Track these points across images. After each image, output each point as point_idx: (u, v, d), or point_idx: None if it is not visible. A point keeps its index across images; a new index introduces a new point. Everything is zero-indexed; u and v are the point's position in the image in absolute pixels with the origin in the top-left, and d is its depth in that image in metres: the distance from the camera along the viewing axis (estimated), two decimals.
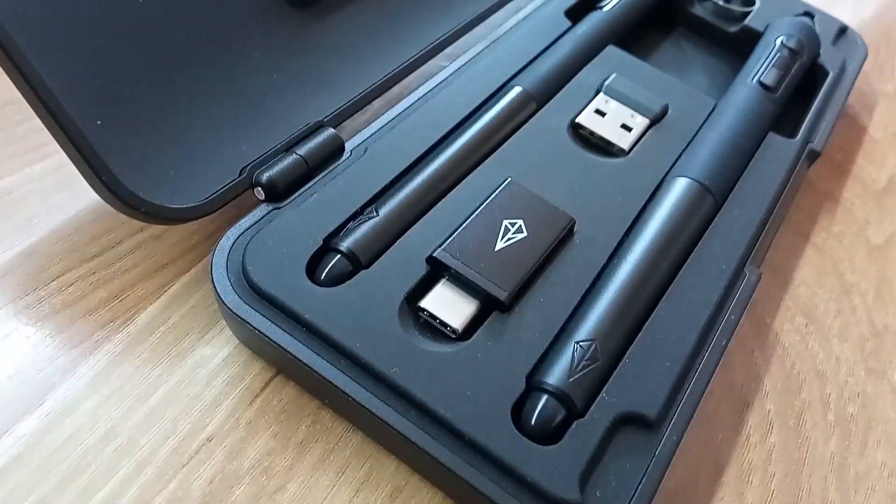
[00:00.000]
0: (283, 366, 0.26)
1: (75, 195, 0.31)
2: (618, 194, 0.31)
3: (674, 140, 0.34)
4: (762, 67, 0.38)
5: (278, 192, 0.28)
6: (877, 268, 0.37)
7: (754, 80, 0.38)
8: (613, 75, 0.36)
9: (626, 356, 0.26)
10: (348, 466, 0.25)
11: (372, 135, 0.31)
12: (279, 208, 0.28)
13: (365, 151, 0.30)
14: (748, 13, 0.44)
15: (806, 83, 0.41)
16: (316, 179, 0.29)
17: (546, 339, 0.26)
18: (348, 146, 0.30)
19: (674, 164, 0.33)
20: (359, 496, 0.25)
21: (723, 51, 0.44)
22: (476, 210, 0.29)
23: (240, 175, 0.28)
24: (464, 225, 0.28)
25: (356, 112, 0.32)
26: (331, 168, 0.29)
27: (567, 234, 0.29)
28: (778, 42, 0.40)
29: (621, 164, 0.33)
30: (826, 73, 0.41)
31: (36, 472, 0.23)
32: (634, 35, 0.43)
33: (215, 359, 0.27)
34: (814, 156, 0.37)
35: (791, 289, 0.35)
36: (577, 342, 0.26)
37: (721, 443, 0.29)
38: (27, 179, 0.31)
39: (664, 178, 0.33)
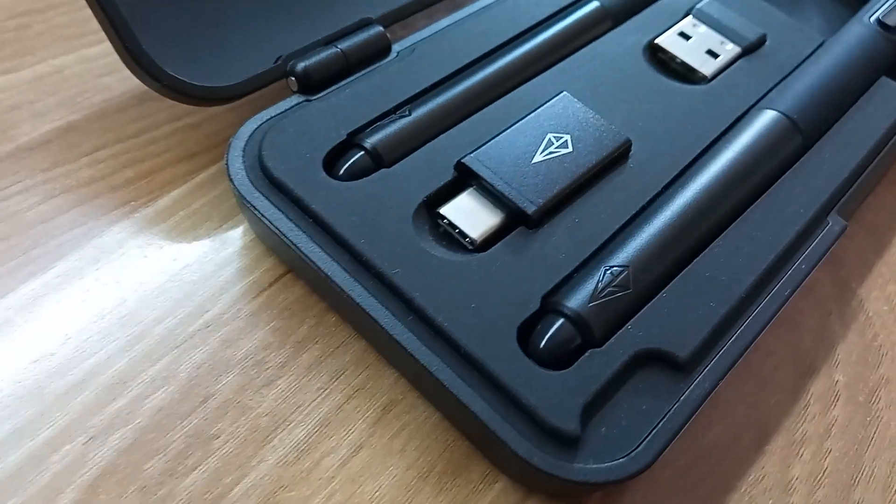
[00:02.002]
0: (289, 260, 0.25)
1: (123, 79, 0.30)
2: (689, 122, 0.28)
3: (767, 72, 0.30)
4: (885, 4, 0.33)
5: (312, 84, 0.27)
6: None
7: (873, 17, 0.33)
8: None
9: (664, 290, 0.23)
10: (344, 372, 0.24)
11: (424, 38, 0.29)
12: (310, 100, 0.26)
13: (412, 53, 0.28)
14: None
15: None
16: (355, 76, 0.27)
17: (574, 261, 0.23)
18: (395, 48, 0.29)
19: (762, 98, 0.29)
20: (349, 403, 0.23)
21: None
22: (519, 120, 0.26)
23: (276, 63, 0.27)
24: (502, 133, 0.25)
25: (411, 14, 0.30)
26: (374, 67, 0.28)
27: (620, 156, 0.26)
28: None
29: (700, 92, 0.29)
30: None
31: (38, 329, 0.23)
32: None
33: (228, 249, 0.26)
34: None
35: (888, 254, 0.30)
36: (608, 267, 0.23)
37: (774, 406, 0.25)
38: (81, 60, 0.31)
39: (748, 110, 0.29)
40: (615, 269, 0.23)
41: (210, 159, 0.28)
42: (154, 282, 0.25)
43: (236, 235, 0.26)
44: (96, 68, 0.31)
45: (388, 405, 0.23)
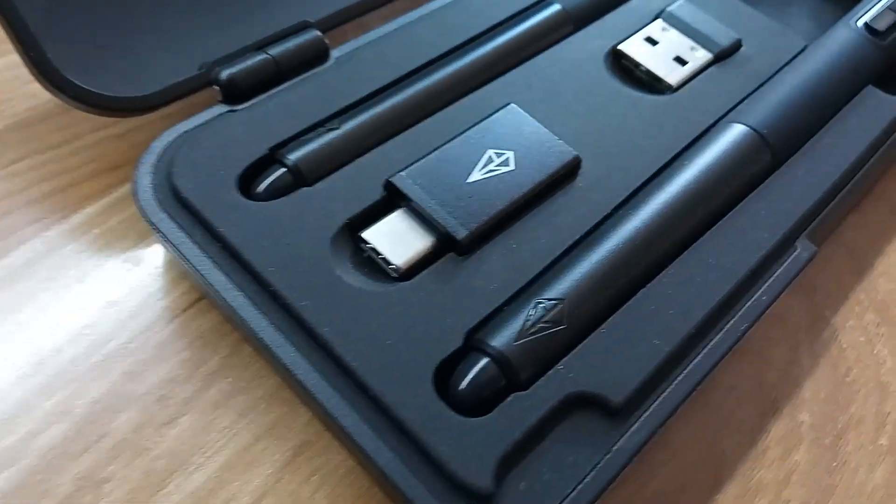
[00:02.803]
0: (199, 286, 0.23)
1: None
2: (649, 136, 0.26)
3: (740, 81, 0.28)
4: (873, 7, 0.31)
5: (238, 93, 0.25)
6: None
7: (860, 21, 0.30)
8: (680, 1, 0.30)
9: (603, 326, 0.21)
10: (255, 410, 0.22)
11: (366, 44, 0.27)
12: (234, 111, 0.24)
13: (351, 59, 0.26)
14: None
15: None
16: (287, 84, 0.25)
17: (505, 292, 0.21)
18: (335, 54, 0.26)
19: (731, 109, 0.27)
20: (258, 445, 0.21)
21: None
22: (459, 134, 0.24)
23: (199, 70, 0.25)
24: (438, 149, 0.23)
25: (354, 17, 0.28)
26: (308, 75, 0.26)
27: (567, 174, 0.24)
28: None
29: (663, 103, 0.27)
30: None
31: None
32: None
33: (142, 271, 0.24)
34: None
35: (868, 278, 0.28)
36: (541, 300, 0.21)
37: (729, 450, 0.23)
38: (9, 66, 0.29)
39: (715, 123, 0.26)
40: (549, 302, 0.21)
41: (131, 172, 0.26)
42: (58, 306, 0.23)
43: (152, 256, 0.24)
44: (24, 74, 0.29)
45: (300, 447, 0.21)
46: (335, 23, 0.27)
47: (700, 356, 0.21)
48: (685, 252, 0.23)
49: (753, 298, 0.22)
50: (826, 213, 0.25)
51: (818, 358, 0.26)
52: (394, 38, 0.27)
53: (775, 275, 0.23)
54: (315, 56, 0.26)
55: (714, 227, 0.24)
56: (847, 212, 0.28)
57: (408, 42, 0.27)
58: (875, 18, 0.31)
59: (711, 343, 0.21)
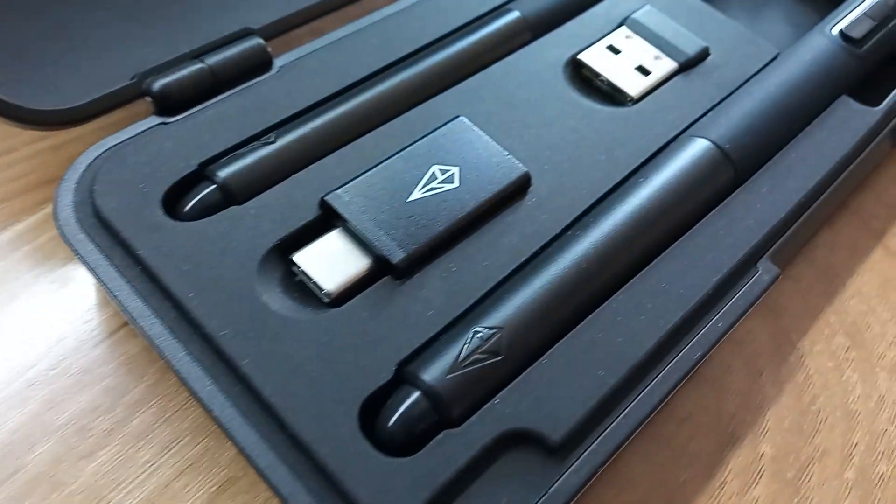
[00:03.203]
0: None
1: None
2: (605, 151, 0.24)
3: (706, 91, 0.27)
4: (848, 13, 0.30)
5: (172, 105, 0.23)
6: None
7: (835, 28, 0.29)
8: (646, 7, 0.29)
9: (544, 356, 0.20)
10: (179, 442, 0.20)
11: (311, 52, 0.26)
12: (167, 123, 0.23)
13: (294, 69, 0.25)
14: None
15: None
16: (224, 95, 0.24)
17: (442, 319, 0.20)
18: (278, 63, 0.25)
19: (694, 122, 0.26)
20: (180, 480, 0.20)
21: None
22: (403, 149, 0.23)
23: (132, 80, 0.23)
24: (379, 165, 0.22)
25: (301, 24, 0.26)
26: (248, 85, 0.24)
27: (515, 192, 0.23)
28: None
29: (622, 115, 0.26)
30: None
31: None
32: None
33: (69, 292, 0.23)
34: None
35: (839, 299, 0.27)
36: (478, 329, 0.19)
37: (682, 486, 0.22)
38: None
39: (676, 137, 0.25)
40: (486, 331, 0.19)
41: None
42: None
43: (82, 276, 0.23)
44: None
45: (224, 483, 0.20)
46: (280, 30, 0.26)
47: (648, 389, 0.20)
48: (637, 276, 0.22)
49: (709, 325, 0.21)
50: (791, 233, 0.24)
51: (782, 385, 0.24)
52: (341, 46, 0.26)
53: (733, 299, 0.22)
54: (257, 65, 0.25)
55: (669, 249, 0.22)
56: (817, 229, 0.27)
57: (356, 50, 0.26)
58: (851, 25, 0.29)
59: (661, 374, 0.20)
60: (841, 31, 0.29)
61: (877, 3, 0.30)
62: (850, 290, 0.27)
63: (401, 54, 0.26)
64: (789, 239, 0.24)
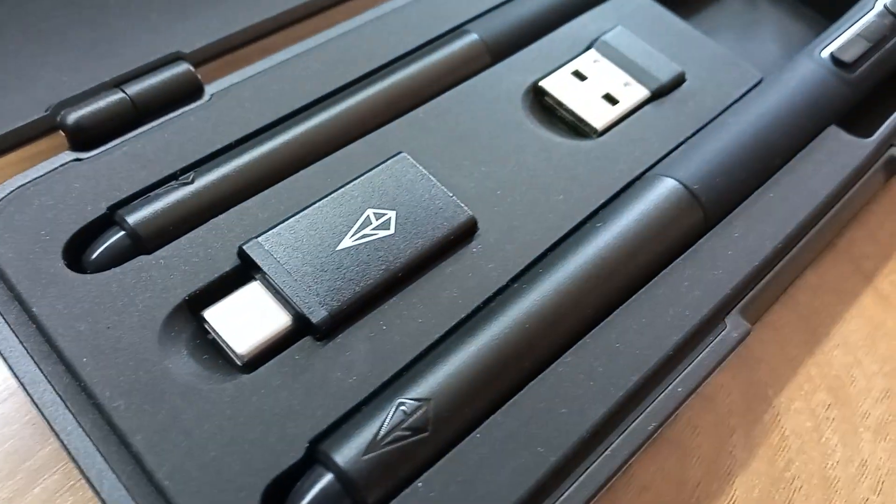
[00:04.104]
0: None
1: None
2: (563, 191, 0.22)
3: (679, 122, 0.25)
4: (839, 35, 0.27)
5: (88, 139, 0.22)
6: None
7: (825, 51, 0.27)
8: (618, 28, 0.27)
9: (477, 431, 0.18)
10: None
11: (249, 77, 0.24)
12: (80, 160, 0.21)
13: (225, 97, 0.23)
14: None
15: None
16: (145, 128, 0.22)
17: (365, 388, 0.18)
18: (210, 90, 0.23)
19: (664, 157, 0.24)
20: None
21: (812, 12, 0.33)
22: (335, 191, 0.21)
23: (46, 112, 0.22)
24: (307, 209, 0.20)
25: (238, 48, 0.24)
26: (173, 116, 0.22)
27: (458, 238, 0.21)
28: (878, 3, 0.29)
29: (584, 150, 0.24)
30: None
31: None
32: None
33: None
34: None
35: (822, 350, 0.25)
36: (403, 400, 0.17)
37: None
38: None
39: (641, 175, 0.23)
40: (411, 402, 0.17)
41: None
42: None
43: None
44: None
45: None
46: (215, 54, 0.24)
47: (593, 466, 0.18)
48: (588, 335, 0.20)
49: (666, 391, 0.19)
50: (766, 283, 0.22)
51: (754, 448, 0.22)
52: (281, 71, 0.24)
53: (696, 361, 0.20)
54: (185, 93, 0.23)
55: (627, 304, 0.20)
56: (798, 274, 0.25)
57: (297, 76, 0.24)
58: (842, 48, 0.27)
59: (610, 448, 0.18)
60: (831, 55, 0.27)
61: (872, 21, 0.28)
62: (835, 339, 0.25)
63: (345, 81, 0.24)
64: (763, 290, 0.22)
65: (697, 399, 0.23)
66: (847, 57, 0.27)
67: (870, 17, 0.28)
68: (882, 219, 0.28)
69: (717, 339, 0.20)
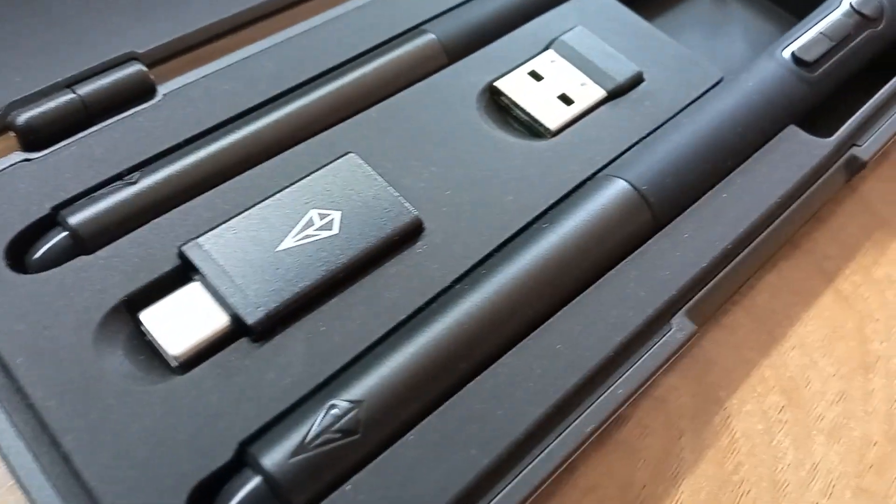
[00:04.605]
0: None
1: None
2: (513, 191, 0.22)
3: (634, 123, 0.25)
4: (803, 33, 0.27)
5: (39, 139, 0.22)
6: None
7: (786, 51, 0.27)
8: (577, 27, 0.27)
9: (410, 433, 0.18)
10: None
11: (203, 77, 0.24)
12: (30, 160, 0.21)
13: (176, 97, 0.23)
14: None
15: (884, 63, 0.29)
16: (96, 128, 0.22)
17: (299, 390, 0.18)
18: (163, 90, 0.23)
19: (617, 158, 0.24)
20: None
21: (781, 11, 0.33)
22: (279, 191, 0.21)
23: None
24: (249, 210, 0.20)
25: (195, 48, 0.24)
26: (124, 116, 0.22)
27: (403, 239, 0.21)
28: (844, 2, 0.28)
29: (537, 150, 0.24)
30: None
31: None
32: None
33: None
34: (857, 166, 0.26)
35: (778, 351, 0.24)
36: (335, 403, 0.17)
37: None
38: None
39: (592, 176, 0.23)
40: (343, 404, 0.17)
41: None
42: None
43: None
44: None
45: None
46: (170, 54, 0.24)
47: (529, 468, 0.18)
48: (529, 336, 0.19)
49: (606, 393, 0.19)
50: (715, 284, 0.22)
51: (703, 451, 0.22)
52: (235, 71, 0.24)
53: (639, 362, 0.20)
54: (137, 93, 0.23)
55: (569, 305, 0.20)
56: (752, 275, 0.24)
57: (250, 75, 0.24)
58: (804, 47, 0.27)
59: (546, 450, 0.18)
60: (792, 54, 0.27)
61: (837, 20, 0.28)
62: (792, 340, 0.25)
63: (298, 81, 0.24)
64: (712, 291, 0.22)
65: (648, 400, 0.23)
66: (808, 56, 0.26)
67: (834, 15, 0.28)
68: (845, 220, 0.28)
69: (661, 341, 0.20)
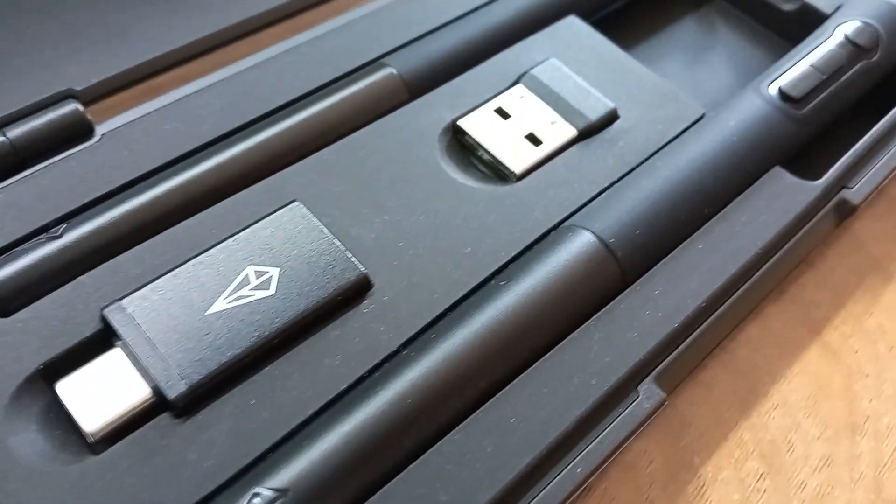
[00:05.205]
0: None
1: None
2: (472, 242, 0.21)
3: (607, 164, 0.23)
4: (791, 66, 0.25)
5: None
6: None
7: (772, 85, 0.25)
8: (550, 60, 0.25)
9: None
10: None
11: (146, 115, 0.22)
12: None
13: (113, 139, 0.21)
14: None
15: (878, 97, 0.27)
16: (26, 173, 0.21)
17: (222, 474, 0.16)
18: (101, 130, 0.22)
19: (586, 205, 0.22)
20: None
21: (773, 37, 0.31)
22: (214, 245, 0.19)
23: None
24: (181, 266, 0.19)
25: (138, 82, 0.23)
26: (60, 158, 0.21)
27: (348, 299, 0.19)
28: (837, 32, 0.27)
29: (500, 196, 0.22)
30: None
31: None
32: (649, 3, 0.31)
33: None
34: (847, 210, 0.24)
35: (758, 412, 0.23)
36: (258, 491, 0.16)
37: None
38: None
39: (557, 226, 0.21)
40: (267, 493, 0.16)
41: None
42: None
43: None
44: None
45: None
46: (110, 90, 0.22)
47: None
48: (481, 409, 0.18)
49: (563, 472, 0.17)
50: (689, 345, 0.20)
51: None
52: (181, 109, 0.22)
53: (601, 436, 0.18)
54: (74, 134, 0.21)
55: (526, 372, 0.19)
56: (730, 332, 0.23)
57: (196, 113, 0.22)
58: (792, 82, 0.25)
59: None
60: (779, 89, 0.25)
61: (830, 51, 0.26)
62: (774, 398, 0.23)
63: (246, 119, 0.22)
64: (685, 353, 0.20)
65: (616, 467, 0.21)
66: (796, 92, 0.25)
67: (826, 46, 0.26)
68: (835, 262, 0.26)
69: (626, 411, 0.19)
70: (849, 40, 0.26)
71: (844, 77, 0.26)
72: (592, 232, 0.20)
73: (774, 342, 0.24)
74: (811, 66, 0.26)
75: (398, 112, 0.23)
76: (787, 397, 0.23)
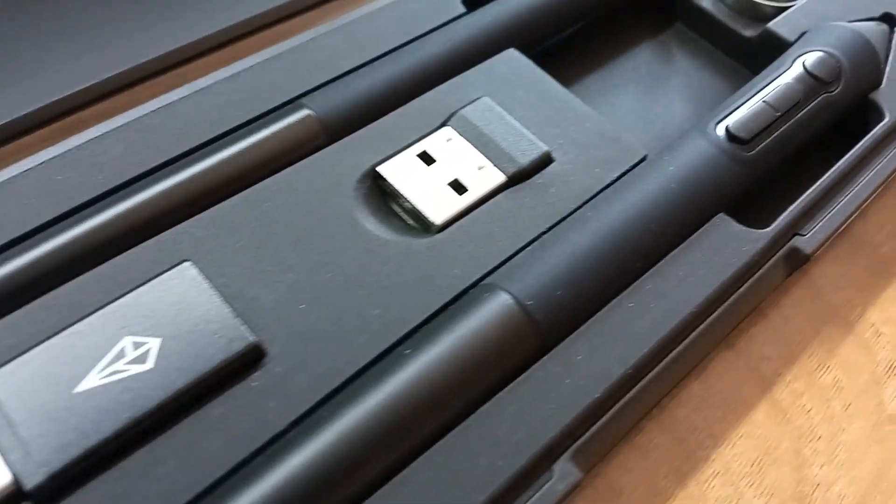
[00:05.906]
0: None
1: None
2: (381, 303, 0.19)
3: (536, 213, 0.21)
4: (741, 104, 0.24)
5: None
6: (877, 455, 0.22)
7: (719, 125, 0.23)
8: (482, 99, 0.23)
9: None
10: None
11: (37, 166, 0.21)
12: None
13: (6, 191, 0.20)
14: (784, 9, 0.29)
15: (841, 131, 0.25)
16: None
17: None
18: None
19: (509, 259, 0.20)
20: None
21: (735, 65, 0.29)
22: (91, 313, 0.18)
23: None
24: (52, 338, 0.17)
25: (27, 132, 0.21)
26: None
27: (235, 371, 0.18)
28: (796, 63, 0.25)
29: (417, 251, 0.20)
30: (880, 118, 0.26)
31: None
32: (603, 28, 0.29)
33: None
34: (800, 259, 0.22)
35: (696, 480, 0.21)
36: None
37: None
38: None
39: (477, 283, 0.20)
40: None
41: None
42: None
43: None
44: None
45: None
46: (3, 138, 0.21)
47: None
48: (373, 496, 0.16)
49: None
50: (611, 418, 0.18)
51: None
52: (71, 158, 0.21)
53: None
54: None
55: (428, 453, 0.17)
56: (661, 398, 0.21)
57: (89, 163, 0.21)
58: (741, 121, 0.23)
59: None
60: (727, 129, 0.23)
61: (786, 85, 0.25)
62: (715, 465, 0.22)
63: (147, 167, 0.21)
64: (607, 425, 0.18)
65: None
66: (745, 132, 0.23)
67: (783, 79, 0.25)
68: (789, 310, 0.24)
69: (537, 495, 0.17)
70: (808, 72, 0.25)
71: (801, 113, 0.24)
72: (509, 293, 0.19)
73: (718, 401, 0.22)
74: (764, 102, 0.24)
75: (313, 157, 0.22)
76: (730, 464, 0.22)
